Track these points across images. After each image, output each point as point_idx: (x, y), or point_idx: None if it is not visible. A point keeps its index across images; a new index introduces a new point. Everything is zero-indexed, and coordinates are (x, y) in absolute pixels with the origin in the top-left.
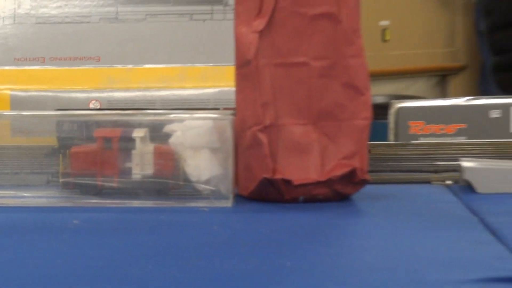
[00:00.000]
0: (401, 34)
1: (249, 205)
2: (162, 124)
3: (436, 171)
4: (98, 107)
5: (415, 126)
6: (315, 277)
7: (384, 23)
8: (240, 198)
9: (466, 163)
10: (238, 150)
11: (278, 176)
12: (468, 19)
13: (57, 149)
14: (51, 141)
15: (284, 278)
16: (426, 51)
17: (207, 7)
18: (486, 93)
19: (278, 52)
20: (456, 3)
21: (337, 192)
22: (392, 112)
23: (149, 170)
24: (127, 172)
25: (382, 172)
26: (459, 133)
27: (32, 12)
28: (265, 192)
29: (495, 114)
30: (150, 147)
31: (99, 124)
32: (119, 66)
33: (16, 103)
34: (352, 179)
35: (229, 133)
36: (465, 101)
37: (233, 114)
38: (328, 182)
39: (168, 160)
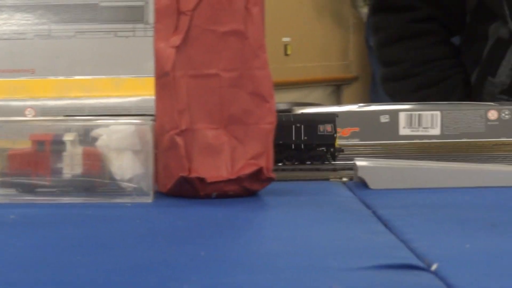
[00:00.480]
0: (301, 49)
1: (168, 200)
2: (90, 129)
3: (334, 170)
4: (33, 114)
5: None
6: (227, 265)
7: (286, 39)
8: (159, 194)
9: (360, 162)
10: (157, 151)
11: (193, 175)
12: (360, 36)
13: None
14: None
15: (199, 266)
16: (323, 63)
17: (129, 25)
18: (376, 101)
19: (192, 65)
20: (349, 22)
21: (246, 189)
22: None
23: (79, 170)
24: (59, 171)
25: (286, 171)
26: (353, 136)
27: None
28: (182, 189)
29: (384, 119)
30: (79, 149)
31: (33, 129)
32: (52, 78)
33: None
34: (259, 177)
35: (149, 137)
36: (357, 107)
37: (153, 120)
38: (237, 180)
39: (95, 161)
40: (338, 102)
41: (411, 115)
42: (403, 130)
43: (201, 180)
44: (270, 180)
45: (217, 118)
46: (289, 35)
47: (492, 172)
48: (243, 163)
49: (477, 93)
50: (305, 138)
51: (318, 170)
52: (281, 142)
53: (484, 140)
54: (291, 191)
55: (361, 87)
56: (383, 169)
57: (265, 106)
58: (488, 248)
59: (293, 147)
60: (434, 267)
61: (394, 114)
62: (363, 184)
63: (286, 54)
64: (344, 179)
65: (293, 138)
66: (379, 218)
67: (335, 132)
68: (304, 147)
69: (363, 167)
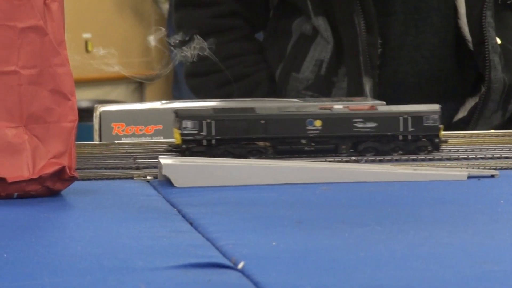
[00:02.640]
0: (102, 45)
1: None
2: None
3: (138, 168)
4: None
5: (118, 128)
6: (30, 267)
7: (87, 35)
8: None
9: (164, 160)
10: None
11: None
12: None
13: None
14: None
15: (1, 269)
16: (125, 60)
17: None
18: (179, 98)
19: None
20: (151, 18)
21: (49, 188)
22: (96, 115)
23: None
24: None
25: (89, 170)
26: (156, 133)
27: None
28: None
29: None
30: None
31: None
32: None
33: None
34: (61, 176)
35: None
36: (160, 104)
37: None
38: (39, 179)
39: None
40: (142, 99)
41: None
42: None
43: (2, 180)
44: (73, 179)
45: (17, 117)
46: (90, 31)
47: (296, 169)
48: (45, 162)
49: (281, 89)
50: (412, 129)
51: (121, 168)
52: (389, 133)
53: None
54: (96, 191)
55: (164, 84)
56: (188, 167)
57: (66, 104)
58: (294, 245)
59: (400, 138)
60: (240, 265)
61: None
62: (168, 182)
63: (87, 51)
64: (149, 177)
65: (401, 130)
66: (184, 216)
67: (440, 123)
68: (411, 138)
69: (167, 165)
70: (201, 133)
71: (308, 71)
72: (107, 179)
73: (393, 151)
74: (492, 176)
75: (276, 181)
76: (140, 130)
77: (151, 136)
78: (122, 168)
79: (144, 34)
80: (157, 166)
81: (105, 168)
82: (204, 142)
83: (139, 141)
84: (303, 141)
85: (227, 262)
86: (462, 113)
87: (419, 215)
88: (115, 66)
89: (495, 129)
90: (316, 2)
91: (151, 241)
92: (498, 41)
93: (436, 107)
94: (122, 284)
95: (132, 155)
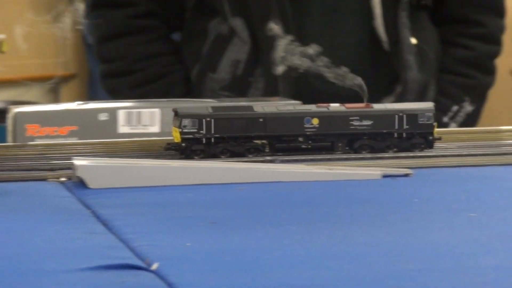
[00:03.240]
0: (17, 46)
1: None
2: None
3: (52, 169)
4: None
5: (31, 129)
6: None
7: (1, 36)
8: None
9: (78, 162)
10: None
11: None
12: (77, 32)
13: None
14: None
15: None
16: (39, 61)
17: None
18: (95, 98)
19: None
20: (66, 19)
21: None
22: (9, 116)
23: None
24: None
25: (2, 172)
26: (71, 134)
27: None
28: None
29: (103, 117)
30: None
31: None
32: None
33: None
34: None
35: None
36: (76, 105)
37: None
38: None
39: None
40: (57, 100)
41: (130, 112)
42: (123, 128)
43: None
44: None
45: None
46: (3, 32)
47: (211, 169)
48: None
49: (197, 90)
50: (407, 127)
51: (35, 170)
52: (384, 131)
53: None
54: (9, 193)
55: (79, 85)
56: (102, 168)
57: None
58: (208, 245)
59: (395, 135)
60: (155, 266)
61: (113, 112)
62: (82, 183)
63: (1, 51)
64: (62, 178)
65: (396, 127)
66: (99, 218)
67: (434, 121)
68: (406, 136)
69: (81, 166)
70: (201, 132)
71: (225, 71)
72: (20, 181)
73: (388, 148)
74: (407, 175)
75: (191, 182)
76: (55, 131)
77: (65, 137)
78: (36, 170)
79: (60, 35)
80: (71, 167)
81: (19, 170)
82: (204, 141)
83: (54, 143)
84: (301, 139)
85: (141, 264)
86: None
87: (334, 215)
88: (30, 67)
89: None
90: (232, 3)
91: (64, 243)
92: (413, 41)
93: (430, 105)
94: (34, 286)
95: (46, 157)
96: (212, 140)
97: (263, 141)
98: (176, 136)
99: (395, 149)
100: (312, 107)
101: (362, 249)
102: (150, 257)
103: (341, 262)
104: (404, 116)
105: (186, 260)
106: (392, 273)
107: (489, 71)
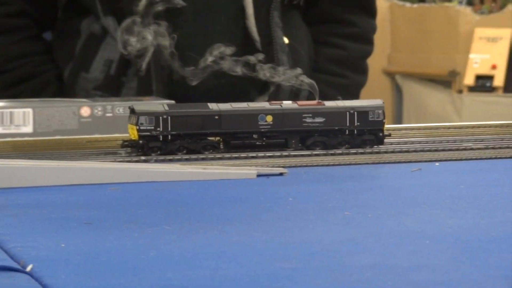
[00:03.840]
0: None
1: None
2: None
3: None
4: None
5: None
6: None
7: None
8: None
9: None
10: None
11: None
12: None
13: None
14: None
15: None
16: None
17: None
18: None
19: None
20: None
21: None
22: None
23: None
24: None
25: None
26: None
27: None
28: None
29: None
30: None
31: None
32: None
33: None
34: None
35: None
36: None
37: None
38: None
39: None
40: None
41: (2, 112)
42: None
43: None
44: None
45: None
46: None
47: (85, 169)
48: None
49: (70, 89)
50: (358, 124)
51: None
52: (336, 128)
53: (78, 137)
54: None
55: None
56: None
57: None
58: (83, 246)
59: (347, 132)
60: (29, 268)
61: None
62: None
63: None
64: None
65: (347, 124)
66: None
67: (384, 118)
68: (357, 132)
69: None
70: (158, 129)
71: (98, 71)
72: None
73: (340, 145)
74: (281, 174)
75: (64, 182)
76: None
77: None
78: None
79: None
80: None
81: None
82: (160, 138)
83: None
84: (255, 135)
85: (15, 265)
86: None
87: (209, 214)
88: None
89: None
90: (104, 2)
91: None
92: (286, 40)
93: (380, 102)
94: None
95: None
96: (169, 137)
97: (219, 138)
98: (132, 134)
99: (346, 146)
100: (266, 105)
101: (237, 248)
102: (24, 258)
103: (217, 261)
104: (355, 113)
105: (61, 261)
106: (268, 272)
107: (362, 71)
